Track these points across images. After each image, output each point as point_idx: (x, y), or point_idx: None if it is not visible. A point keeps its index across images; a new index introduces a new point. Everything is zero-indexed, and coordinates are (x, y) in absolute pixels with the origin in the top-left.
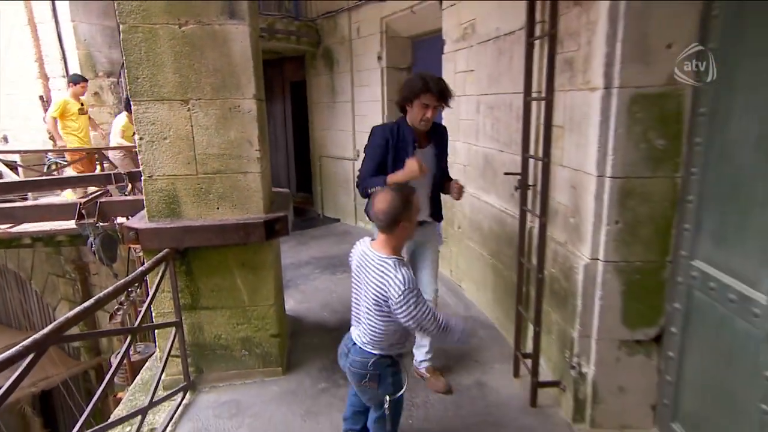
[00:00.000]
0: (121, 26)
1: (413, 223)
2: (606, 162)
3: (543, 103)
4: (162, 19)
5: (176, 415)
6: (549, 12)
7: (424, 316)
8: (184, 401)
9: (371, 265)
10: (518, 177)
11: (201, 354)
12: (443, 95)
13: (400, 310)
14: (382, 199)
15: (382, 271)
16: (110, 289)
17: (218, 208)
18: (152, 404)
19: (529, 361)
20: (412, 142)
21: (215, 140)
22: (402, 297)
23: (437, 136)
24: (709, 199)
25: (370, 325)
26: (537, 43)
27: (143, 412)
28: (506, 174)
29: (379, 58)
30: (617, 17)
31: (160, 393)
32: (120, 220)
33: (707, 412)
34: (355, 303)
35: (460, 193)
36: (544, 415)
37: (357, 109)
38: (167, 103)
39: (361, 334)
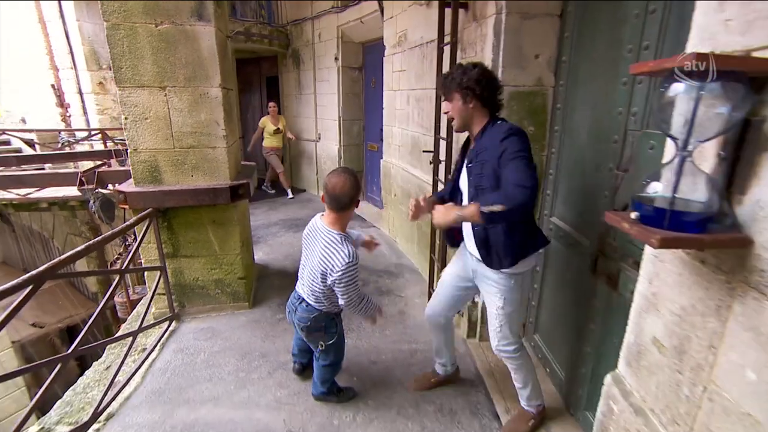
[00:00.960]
0: (105, 24)
1: (358, 205)
2: None
3: None
4: (141, 18)
5: (164, 338)
6: (451, 25)
7: (354, 289)
8: (171, 328)
9: (320, 236)
10: (432, 154)
11: (183, 292)
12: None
13: (339, 278)
14: (342, 182)
15: (330, 243)
16: (98, 238)
17: (192, 176)
18: (141, 329)
19: None
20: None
21: (188, 121)
22: (345, 267)
23: (486, 141)
24: (561, 171)
25: (312, 287)
26: (446, 48)
27: (134, 334)
28: (424, 152)
29: (336, 58)
30: (500, 32)
31: (151, 321)
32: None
33: (552, 324)
34: (302, 265)
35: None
36: None
37: (318, 100)
38: (147, 89)
39: (305, 294)
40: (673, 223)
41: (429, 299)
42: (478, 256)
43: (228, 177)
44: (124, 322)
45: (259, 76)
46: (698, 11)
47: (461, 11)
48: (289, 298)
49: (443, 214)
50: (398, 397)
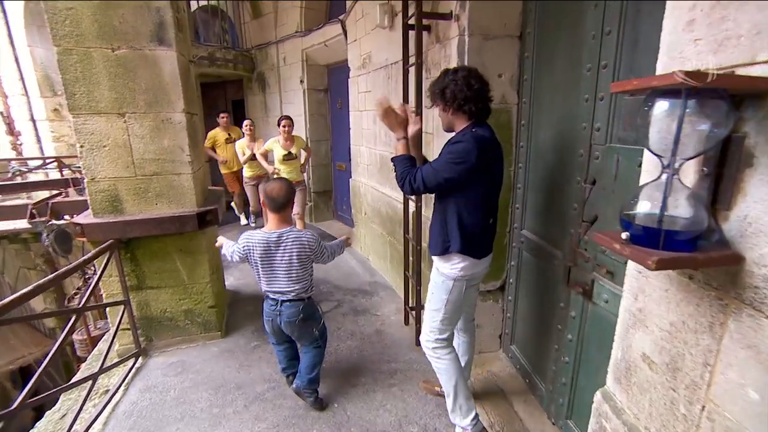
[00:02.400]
0: (55, 48)
1: (293, 207)
2: None
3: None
4: (95, 43)
5: (129, 377)
6: (416, 47)
7: (329, 251)
8: (137, 365)
9: (282, 240)
10: None
11: (150, 325)
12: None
13: (319, 251)
14: (279, 186)
15: (296, 237)
16: (51, 276)
17: (156, 204)
18: (102, 370)
19: (414, 312)
20: None
21: (151, 147)
22: (317, 244)
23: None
24: (530, 186)
25: (297, 277)
26: (412, 70)
27: (94, 377)
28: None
29: (302, 81)
30: (463, 52)
31: (115, 359)
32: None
33: (529, 335)
34: (270, 277)
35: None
36: None
37: None
38: (104, 116)
39: (288, 292)
40: (667, 243)
41: (405, 317)
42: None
43: (195, 203)
44: (84, 361)
45: (224, 100)
46: (666, 30)
47: (424, 33)
48: (262, 313)
49: (395, 120)
50: (381, 421)
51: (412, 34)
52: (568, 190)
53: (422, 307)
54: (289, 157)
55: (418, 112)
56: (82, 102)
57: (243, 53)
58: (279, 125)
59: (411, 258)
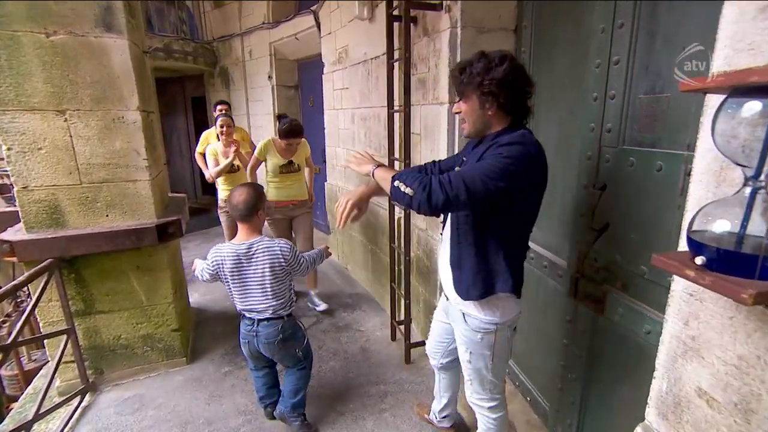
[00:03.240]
0: None
1: (265, 211)
2: None
3: (402, 114)
4: (25, 26)
5: (73, 420)
6: (404, 40)
7: (305, 262)
8: (83, 404)
9: (252, 251)
10: None
11: (100, 356)
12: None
13: (296, 262)
14: (243, 193)
15: (267, 248)
16: None
17: (107, 215)
18: (38, 416)
19: (403, 327)
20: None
21: (99, 150)
22: (292, 254)
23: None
24: None
25: (274, 293)
26: (396, 65)
27: (27, 426)
28: None
29: (270, 77)
30: (456, 46)
31: (56, 399)
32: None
33: (530, 350)
34: (243, 294)
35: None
36: (416, 368)
37: (252, 120)
38: (39, 113)
39: (264, 309)
40: (764, 271)
41: (391, 333)
42: (449, 282)
43: (154, 214)
44: (16, 401)
45: (183, 97)
46: (728, 19)
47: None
48: (236, 342)
49: (359, 161)
50: None
51: (397, 26)
52: (573, 196)
53: (410, 321)
54: (288, 169)
55: (406, 109)
56: (9, 96)
57: (204, 45)
58: (279, 124)
59: (397, 268)
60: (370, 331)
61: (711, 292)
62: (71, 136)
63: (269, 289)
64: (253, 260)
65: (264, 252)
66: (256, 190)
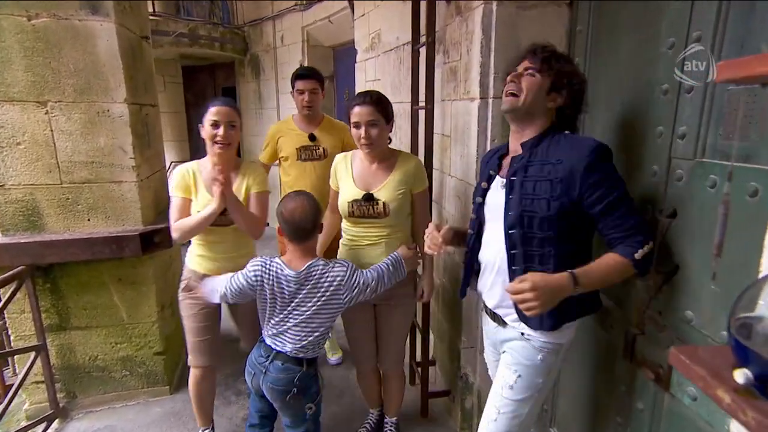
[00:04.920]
0: None
1: (322, 230)
2: None
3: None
4: (4, 9)
5: None
6: (426, 19)
7: (374, 278)
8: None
9: (308, 277)
10: None
11: (74, 377)
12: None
13: (355, 283)
14: (300, 205)
15: (322, 273)
16: None
17: (89, 220)
18: None
19: (420, 369)
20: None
21: (82, 147)
22: (349, 273)
23: (546, 152)
24: None
25: (312, 328)
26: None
27: None
28: None
29: (301, 65)
30: (490, 26)
31: (23, 422)
32: None
33: (576, 419)
34: (280, 322)
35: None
36: (434, 424)
37: (283, 116)
38: (19, 104)
39: (289, 341)
40: None
41: (410, 375)
42: (502, 313)
43: (140, 220)
44: None
45: (213, 87)
46: None
47: (442, 3)
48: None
49: (546, 290)
50: None
51: (423, 4)
52: None
53: (430, 362)
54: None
55: (428, 105)
56: None
57: (233, 30)
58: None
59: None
60: None
61: None
62: (52, 131)
63: (312, 324)
64: (305, 288)
65: (321, 279)
66: (316, 204)
